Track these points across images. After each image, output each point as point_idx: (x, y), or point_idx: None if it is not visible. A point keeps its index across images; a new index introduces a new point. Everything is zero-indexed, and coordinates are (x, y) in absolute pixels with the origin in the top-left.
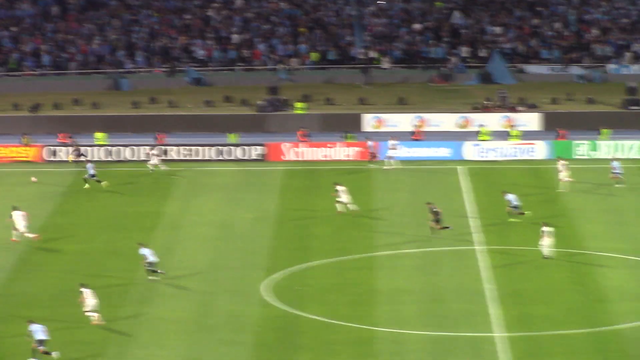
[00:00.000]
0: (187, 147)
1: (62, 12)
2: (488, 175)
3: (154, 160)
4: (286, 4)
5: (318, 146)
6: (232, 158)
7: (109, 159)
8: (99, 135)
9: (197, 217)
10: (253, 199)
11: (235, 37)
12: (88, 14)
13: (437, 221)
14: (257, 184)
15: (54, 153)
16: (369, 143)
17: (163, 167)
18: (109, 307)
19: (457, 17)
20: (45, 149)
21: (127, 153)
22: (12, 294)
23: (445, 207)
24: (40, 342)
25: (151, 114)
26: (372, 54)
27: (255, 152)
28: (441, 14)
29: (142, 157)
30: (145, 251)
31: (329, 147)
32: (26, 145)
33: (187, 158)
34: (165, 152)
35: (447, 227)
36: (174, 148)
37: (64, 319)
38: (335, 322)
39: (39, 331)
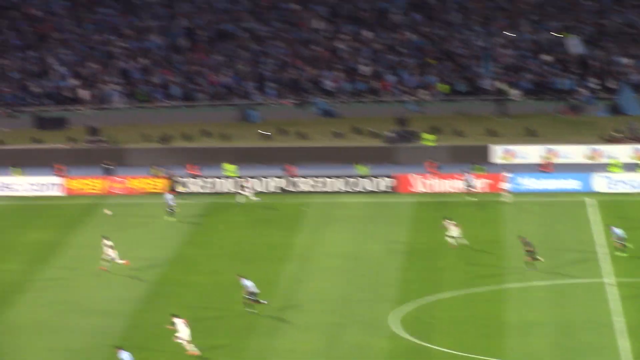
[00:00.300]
0: (316, 179)
1: (191, 44)
2: (617, 208)
3: (247, 192)
4: (415, 35)
5: (447, 178)
6: (361, 190)
7: (238, 190)
8: (228, 166)
9: (326, 249)
10: (382, 230)
11: (364, 69)
12: (217, 45)
13: (530, 253)
14: (386, 215)
15: (183, 184)
16: (467, 176)
17: (245, 200)
18: (237, 340)
19: (574, 45)
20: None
21: (257, 185)
22: (142, 325)
23: (573, 239)
24: None
25: (280, 146)
26: (501, 86)
27: (383, 183)
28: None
29: (271, 189)
30: (246, 283)
31: (457, 179)
32: (155, 176)
33: (316, 190)
34: (294, 184)
35: (539, 259)
36: (303, 179)
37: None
38: (464, 354)
39: (127, 358)
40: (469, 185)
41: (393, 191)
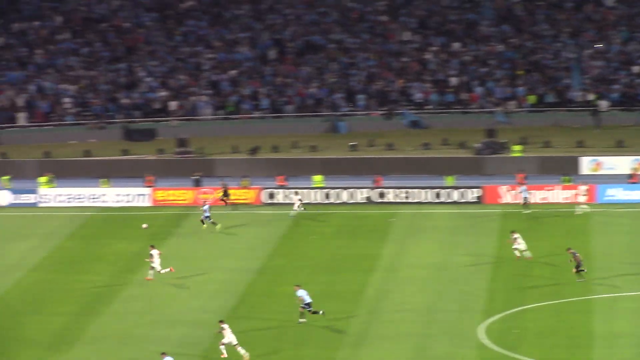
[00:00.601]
0: (404, 190)
1: (280, 56)
2: None
3: (297, 205)
4: (504, 47)
5: (535, 189)
6: (449, 200)
7: (326, 201)
8: (316, 177)
9: (414, 260)
10: (470, 241)
11: (453, 80)
12: (306, 57)
13: (578, 266)
14: (474, 226)
15: (272, 196)
16: (523, 187)
17: (303, 210)
18: (324, 350)
19: None
20: (263, 191)
21: (344, 196)
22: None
23: None
24: None
25: (368, 157)
26: (590, 97)
27: (472, 194)
28: None
29: (359, 200)
30: (301, 293)
31: (546, 190)
32: (245, 187)
33: (404, 200)
34: (382, 195)
35: (583, 270)
36: (391, 190)
37: None
38: None
39: None
40: (525, 198)
41: (481, 202)
